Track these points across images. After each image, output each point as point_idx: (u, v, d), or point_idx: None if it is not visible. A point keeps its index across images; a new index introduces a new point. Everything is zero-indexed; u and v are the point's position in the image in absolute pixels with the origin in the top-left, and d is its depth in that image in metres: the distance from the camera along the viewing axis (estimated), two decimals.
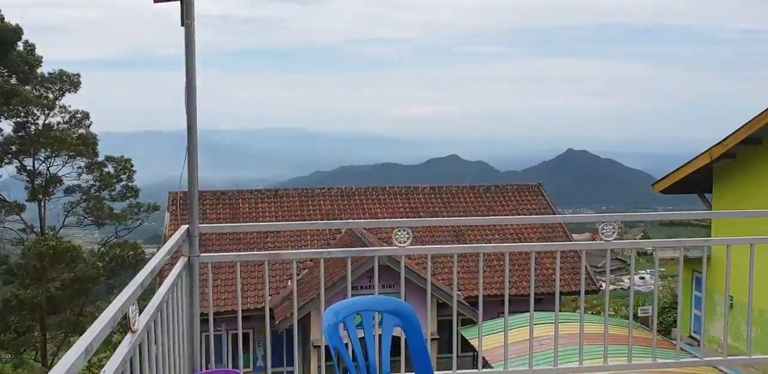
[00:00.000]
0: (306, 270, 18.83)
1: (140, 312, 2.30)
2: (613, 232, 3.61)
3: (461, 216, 21.50)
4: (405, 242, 3.44)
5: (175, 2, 3.01)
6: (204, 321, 3.42)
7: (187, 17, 2.99)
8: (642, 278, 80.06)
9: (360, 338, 3.11)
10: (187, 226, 3.26)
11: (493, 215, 21.66)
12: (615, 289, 74.30)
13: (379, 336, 3.07)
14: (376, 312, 3.12)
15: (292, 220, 20.62)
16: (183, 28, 3.01)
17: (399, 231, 3.42)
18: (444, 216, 21.32)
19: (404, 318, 3.08)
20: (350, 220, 3.69)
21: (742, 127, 14.39)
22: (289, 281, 18.36)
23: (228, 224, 3.55)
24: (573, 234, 23.44)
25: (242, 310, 14.44)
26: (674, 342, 15.04)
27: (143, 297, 2.80)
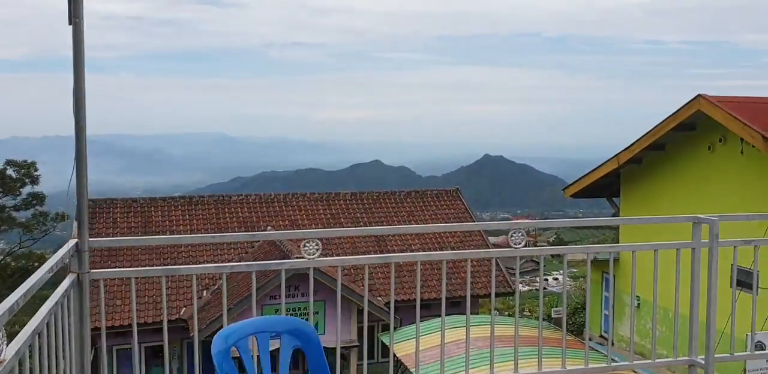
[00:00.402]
0: (221, 280, 18.35)
1: (10, 340, 2.08)
2: (522, 239, 3.62)
3: (382, 221, 21.51)
4: (314, 254, 3.32)
5: None
6: (102, 335, 3.18)
7: (75, 15, 2.77)
8: (555, 279, 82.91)
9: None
10: (75, 240, 3.02)
11: (414, 220, 21.80)
12: (530, 290, 76.64)
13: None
14: (273, 334, 2.97)
15: (208, 228, 20.04)
16: (71, 27, 2.79)
17: (308, 242, 3.30)
18: (365, 222, 21.29)
19: (303, 338, 2.95)
20: (255, 232, 3.46)
21: (647, 133, 15.07)
22: (205, 291, 17.84)
23: (122, 238, 3.29)
24: (490, 237, 23.92)
25: (156, 322, 13.80)
26: (584, 342, 15.45)
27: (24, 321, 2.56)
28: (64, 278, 3.00)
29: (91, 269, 3.03)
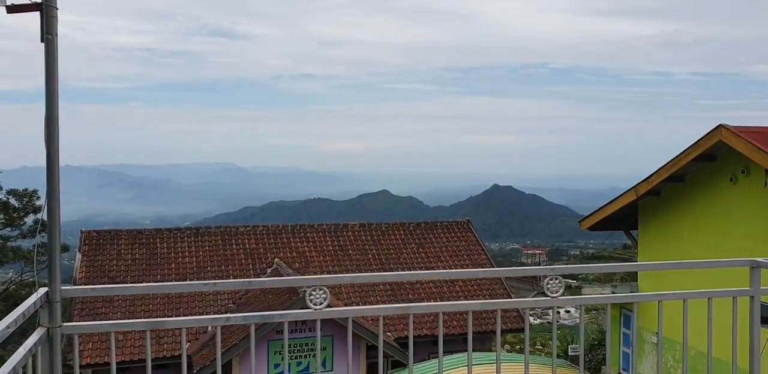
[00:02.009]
0: (233, 305, 17.82)
1: None
2: (560, 288, 3.17)
3: (391, 253, 21.00)
4: (321, 304, 2.88)
5: (34, 13, 2.43)
6: None
7: (47, 31, 2.41)
8: (567, 311, 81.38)
9: None
10: (45, 289, 2.60)
11: (424, 252, 21.27)
12: (541, 323, 75.17)
13: None
14: None
15: (215, 260, 19.59)
16: (43, 45, 2.44)
17: (314, 290, 2.87)
18: (374, 254, 20.78)
19: None
20: (252, 280, 3.18)
21: (666, 164, 14.62)
22: (210, 327, 17.29)
23: (100, 286, 2.97)
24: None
25: (158, 358, 13.18)
26: None
27: None
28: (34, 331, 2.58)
29: (64, 322, 2.60)
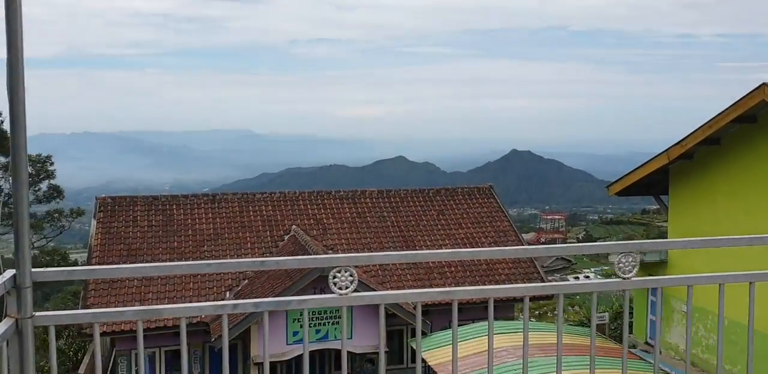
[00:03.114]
0: (246, 281, 17.56)
1: None
2: (634, 266, 2.64)
3: (410, 220, 20.53)
4: (348, 288, 2.38)
5: None
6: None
7: None
8: (587, 277, 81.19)
9: None
10: (12, 272, 2.12)
11: (444, 219, 20.76)
12: None
13: None
14: None
15: (232, 227, 19.25)
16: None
17: (339, 272, 2.37)
18: (392, 221, 20.33)
19: None
20: (265, 259, 2.82)
21: (701, 126, 13.87)
22: (228, 292, 17.06)
23: (80, 268, 2.57)
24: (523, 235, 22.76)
25: (176, 325, 12.88)
26: (632, 350, 14.14)
27: None
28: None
29: (36, 311, 2.12)
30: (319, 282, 15.69)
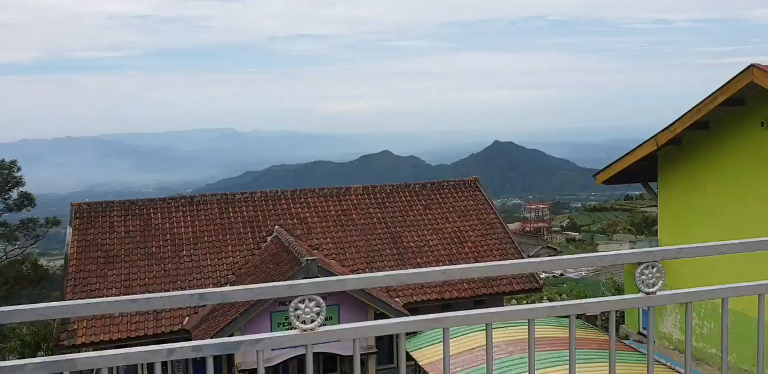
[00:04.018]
0: (233, 276, 17.05)
1: None
2: (659, 279, 2.19)
3: (397, 216, 20.07)
4: (314, 322, 1.88)
5: None
6: None
7: None
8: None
9: None
10: None
11: (431, 214, 20.31)
12: (548, 277, 74.95)
13: None
14: None
15: (212, 229, 18.68)
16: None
17: (303, 302, 1.87)
18: (378, 218, 19.86)
19: None
20: (206, 291, 2.19)
21: (690, 111, 13.53)
22: None
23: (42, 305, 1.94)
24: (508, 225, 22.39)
25: (156, 334, 12.28)
26: (625, 342, 13.74)
27: None
28: None
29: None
30: None
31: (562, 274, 78.09)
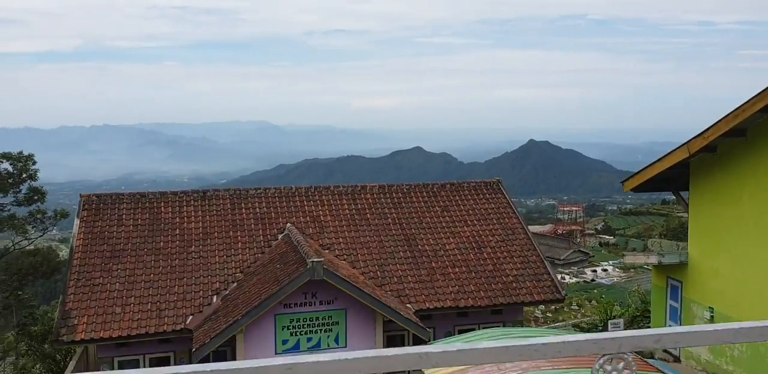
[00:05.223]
0: (235, 284, 16.53)
1: None
2: None
3: (413, 217, 19.35)
4: None
5: None
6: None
7: None
8: (605, 270, 79.34)
9: None
10: None
11: (449, 215, 19.53)
12: (578, 282, 73.42)
13: None
14: None
15: (222, 225, 18.20)
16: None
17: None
18: (393, 218, 19.15)
19: None
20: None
21: (725, 117, 12.52)
22: (215, 297, 16.04)
23: None
24: (529, 227, 21.45)
25: (158, 332, 11.81)
26: (650, 361, 12.75)
27: None
28: None
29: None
30: (309, 287, 14.63)
31: (593, 279, 76.48)
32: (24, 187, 22.55)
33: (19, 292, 21.04)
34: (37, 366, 20.00)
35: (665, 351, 16.19)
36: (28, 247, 22.78)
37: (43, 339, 19.53)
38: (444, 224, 19.27)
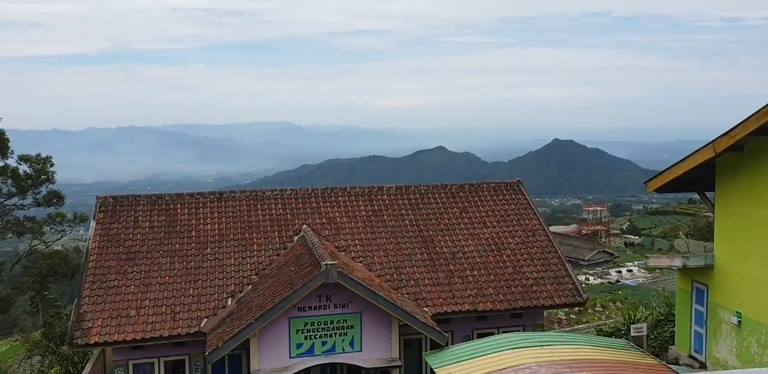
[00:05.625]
0: (250, 287, 16.36)
1: None
2: None
3: (430, 218, 19.03)
4: None
5: None
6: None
7: None
8: (630, 270, 78.14)
9: None
10: None
11: (467, 217, 19.17)
12: (602, 283, 72.39)
13: None
14: None
15: (238, 227, 18.07)
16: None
17: None
18: (411, 220, 18.84)
19: None
20: None
21: (753, 115, 12.05)
22: (230, 299, 15.89)
23: None
24: (553, 227, 20.98)
25: (173, 335, 11.71)
26: (672, 367, 12.26)
27: None
28: None
29: None
30: (323, 290, 14.39)
31: (618, 280, 75.38)
32: (43, 189, 22.70)
33: (45, 292, 21.18)
34: (55, 368, 20.09)
35: (691, 356, 15.69)
36: (46, 250, 22.93)
37: (61, 341, 19.61)
38: (462, 226, 18.92)
